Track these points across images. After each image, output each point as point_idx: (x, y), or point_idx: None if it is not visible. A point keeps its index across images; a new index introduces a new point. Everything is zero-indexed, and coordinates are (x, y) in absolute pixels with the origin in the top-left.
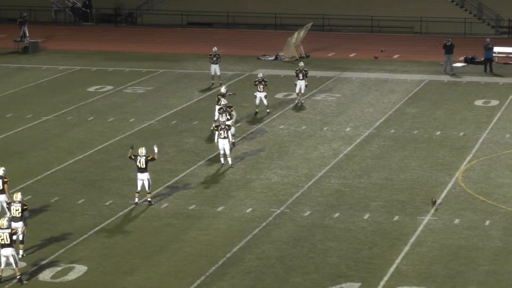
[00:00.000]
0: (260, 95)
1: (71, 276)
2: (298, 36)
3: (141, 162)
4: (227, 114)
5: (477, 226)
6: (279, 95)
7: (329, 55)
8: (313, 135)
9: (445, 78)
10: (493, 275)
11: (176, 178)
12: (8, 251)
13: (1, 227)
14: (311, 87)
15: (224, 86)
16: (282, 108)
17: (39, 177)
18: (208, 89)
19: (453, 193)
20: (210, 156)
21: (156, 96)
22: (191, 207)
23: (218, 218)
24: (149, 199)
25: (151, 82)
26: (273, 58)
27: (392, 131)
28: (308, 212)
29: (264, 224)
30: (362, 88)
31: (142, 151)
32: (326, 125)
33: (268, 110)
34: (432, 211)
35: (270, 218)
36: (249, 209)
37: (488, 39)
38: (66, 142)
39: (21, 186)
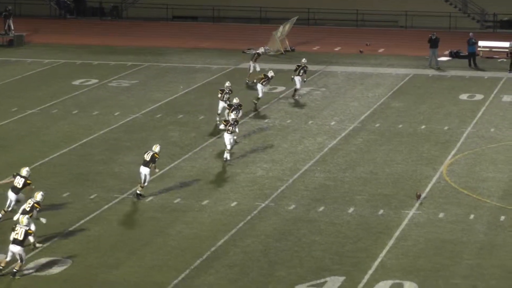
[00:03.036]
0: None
1: (56, 269)
2: (283, 30)
3: (148, 156)
4: (238, 111)
5: (462, 220)
6: (264, 89)
7: (314, 49)
8: (298, 129)
9: (430, 72)
10: (477, 269)
11: (161, 172)
12: (17, 249)
13: (20, 223)
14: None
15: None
16: (267, 102)
17: None
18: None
19: (437, 187)
20: (195, 150)
21: (141, 90)
22: (176, 201)
23: (203, 211)
24: (138, 192)
25: (136, 75)
26: (258, 51)
27: (377, 125)
28: (293, 206)
29: (248, 218)
30: (347, 82)
31: (156, 147)
32: (311, 119)
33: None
34: (417, 205)
35: (255, 212)
36: (234, 203)
37: (471, 34)
38: (51, 136)
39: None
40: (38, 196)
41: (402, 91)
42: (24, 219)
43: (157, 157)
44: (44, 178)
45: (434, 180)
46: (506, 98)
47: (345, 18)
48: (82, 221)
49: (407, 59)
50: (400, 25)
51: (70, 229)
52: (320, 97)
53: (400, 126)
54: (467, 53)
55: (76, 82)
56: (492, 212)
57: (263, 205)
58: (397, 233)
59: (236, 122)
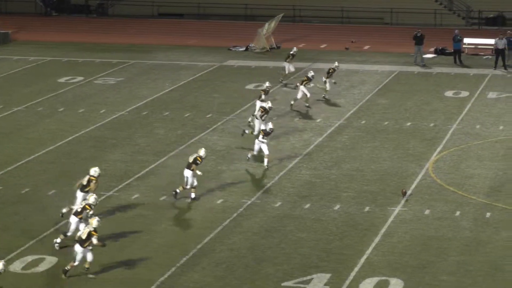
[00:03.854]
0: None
1: (42, 267)
2: (268, 27)
3: (191, 158)
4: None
5: (448, 217)
6: (250, 86)
7: (299, 46)
8: (284, 126)
9: (416, 69)
10: (463, 266)
11: (147, 169)
12: (80, 249)
13: (90, 224)
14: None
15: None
16: (253, 99)
17: (10, 168)
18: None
19: (423, 184)
20: (181, 147)
21: (127, 87)
22: (162, 198)
23: (189, 209)
24: (177, 190)
25: (122, 73)
26: (243, 49)
27: (363, 122)
28: (279, 203)
29: (235, 215)
30: (333, 79)
31: (200, 151)
32: (297, 116)
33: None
34: (403, 202)
35: (241, 209)
36: (220, 200)
37: (456, 31)
38: (37, 133)
39: None
40: (91, 198)
41: (388, 88)
42: (94, 221)
43: (199, 161)
44: (30, 175)
45: (420, 177)
46: (491, 95)
47: (330, 15)
48: (68, 219)
49: (392, 56)
50: (385, 22)
51: (56, 227)
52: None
53: (386, 123)
54: (452, 50)
55: (62, 80)
56: (478, 209)
57: (249, 202)
58: (383, 230)
59: (272, 131)
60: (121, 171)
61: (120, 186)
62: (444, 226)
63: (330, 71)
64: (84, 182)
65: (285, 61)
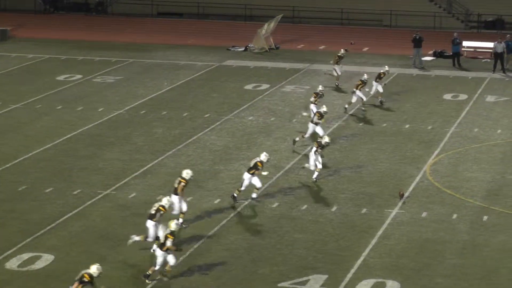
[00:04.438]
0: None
1: (38, 265)
2: (268, 27)
3: (252, 162)
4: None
5: (445, 220)
6: (248, 86)
7: (298, 47)
8: (282, 127)
9: (414, 71)
10: (459, 269)
11: (145, 168)
12: (160, 253)
13: (169, 227)
14: (280, 79)
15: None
16: (251, 100)
17: (7, 165)
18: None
19: (421, 187)
20: (179, 147)
21: (125, 86)
22: (158, 198)
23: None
24: (234, 194)
25: (121, 71)
26: (243, 49)
27: (361, 123)
28: (276, 204)
29: (232, 215)
30: (331, 80)
31: (262, 155)
32: (294, 117)
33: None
34: (400, 204)
35: (238, 209)
36: (217, 200)
37: (455, 34)
38: (35, 131)
39: None
40: (164, 200)
41: (386, 90)
42: (172, 224)
43: (260, 166)
44: (27, 173)
45: (417, 179)
46: (489, 98)
47: (330, 17)
48: (65, 217)
49: (391, 58)
50: (384, 24)
51: (53, 224)
52: (304, 95)
53: (384, 125)
54: (451, 53)
55: (61, 78)
56: (475, 212)
57: (246, 202)
58: (380, 232)
59: (327, 144)
60: (118, 169)
61: (117, 185)
62: (441, 229)
63: (382, 75)
64: (176, 184)
65: (335, 63)
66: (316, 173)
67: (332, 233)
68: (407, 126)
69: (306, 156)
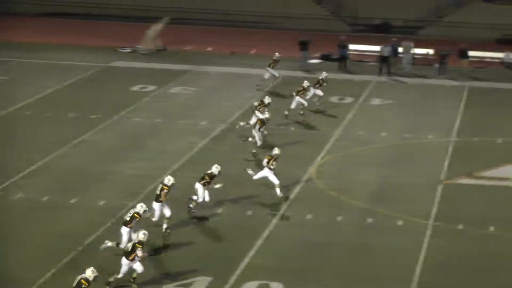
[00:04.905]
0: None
1: None
2: (156, 28)
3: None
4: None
5: (330, 222)
6: (135, 88)
7: (186, 48)
8: (169, 128)
9: (301, 74)
10: (345, 270)
11: (31, 168)
12: (125, 261)
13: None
14: (167, 81)
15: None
16: (138, 101)
17: None
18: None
19: (307, 189)
20: (65, 147)
21: (10, 86)
22: (44, 199)
23: (72, 209)
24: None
25: (6, 71)
26: (131, 50)
27: (248, 125)
28: None
29: (117, 216)
30: (218, 82)
31: (214, 167)
32: (182, 118)
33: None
34: (286, 206)
35: (124, 211)
36: (103, 202)
37: (342, 37)
38: None
39: None
40: (138, 206)
41: (274, 92)
42: (140, 233)
43: (208, 178)
44: None
45: (303, 181)
46: (375, 101)
47: (218, 18)
48: None
49: (279, 61)
50: (273, 26)
51: None
52: (191, 97)
53: (270, 126)
54: (338, 56)
55: None
56: (360, 214)
57: (132, 204)
58: (265, 234)
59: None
60: (3, 169)
61: (3, 185)
62: (326, 231)
63: (320, 81)
64: (158, 192)
65: (270, 67)
66: (277, 189)
67: (218, 235)
68: (293, 128)
69: (193, 159)
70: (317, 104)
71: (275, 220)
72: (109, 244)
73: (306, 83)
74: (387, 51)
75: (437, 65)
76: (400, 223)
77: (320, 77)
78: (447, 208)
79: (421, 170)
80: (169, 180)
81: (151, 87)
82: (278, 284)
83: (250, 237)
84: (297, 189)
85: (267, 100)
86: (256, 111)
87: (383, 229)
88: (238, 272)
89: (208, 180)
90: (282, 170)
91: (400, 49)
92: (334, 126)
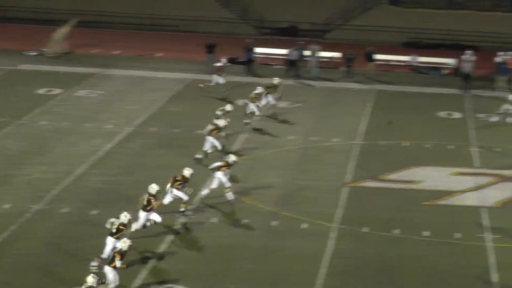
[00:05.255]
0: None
1: None
2: (62, 31)
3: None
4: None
5: (236, 225)
6: (41, 91)
7: (93, 51)
8: (74, 131)
9: (208, 77)
10: (252, 274)
11: None
12: (108, 269)
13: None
14: (73, 84)
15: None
16: (44, 104)
17: None
18: None
19: (214, 191)
20: None
21: None
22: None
23: None
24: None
25: None
26: (37, 53)
27: (154, 129)
28: (67, 209)
29: (22, 220)
30: (125, 85)
31: (185, 170)
32: (87, 121)
33: None
34: (192, 209)
35: (28, 215)
36: (8, 205)
37: (248, 40)
38: None
39: None
40: (122, 216)
41: (181, 96)
42: (121, 242)
43: (181, 180)
44: None
45: (211, 184)
46: (282, 104)
47: (126, 22)
48: None
49: (186, 64)
50: (180, 29)
51: None
52: (97, 100)
53: (177, 130)
54: (244, 59)
55: None
56: (267, 217)
57: (37, 207)
58: (171, 237)
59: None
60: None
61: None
62: (233, 234)
63: (271, 86)
64: (145, 201)
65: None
66: (228, 193)
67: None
68: (200, 131)
69: (99, 162)
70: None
71: (180, 223)
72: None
73: (259, 89)
74: (294, 54)
75: (343, 69)
76: (304, 226)
77: (273, 83)
78: (352, 211)
79: (327, 173)
80: (152, 188)
81: (57, 90)
82: (183, 287)
83: (155, 240)
84: (205, 192)
85: (229, 107)
86: (217, 119)
87: (288, 232)
88: (142, 276)
89: (182, 183)
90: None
91: (307, 53)
92: (244, 128)
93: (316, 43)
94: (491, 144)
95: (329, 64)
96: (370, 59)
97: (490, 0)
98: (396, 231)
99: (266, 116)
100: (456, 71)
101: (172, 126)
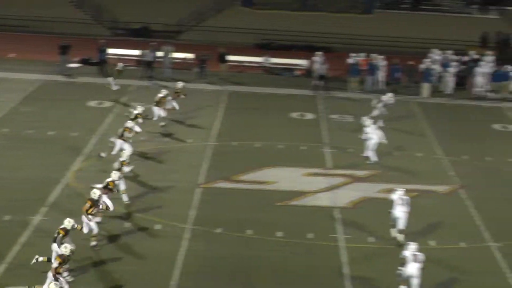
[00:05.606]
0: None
1: None
2: None
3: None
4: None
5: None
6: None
7: None
8: None
9: (61, 78)
10: (105, 275)
11: None
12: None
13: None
14: None
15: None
16: None
17: None
18: None
19: (65, 193)
20: None
21: None
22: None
23: None
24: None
25: None
26: None
27: (6, 130)
28: None
29: None
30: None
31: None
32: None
33: None
34: (44, 211)
35: None
36: None
37: (102, 41)
38: None
39: None
40: (65, 221)
41: (33, 97)
42: (62, 247)
43: (111, 186)
44: None
45: (62, 185)
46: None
47: None
48: None
49: (38, 65)
50: (32, 30)
51: None
52: None
53: (30, 131)
54: (97, 60)
55: None
56: (117, 219)
57: None
58: (22, 239)
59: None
60: None
61: None
62: (83, 236)
63: (178, 91)
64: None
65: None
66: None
67: None
68: (53, 132)
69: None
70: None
71: (33, 225)
72: (40, 259)
73: (164, 92)
74: (150, 56)
75: (196, 70)
76: (158, 227)
77: (177, 88)
78: (205, 212)
79: (180, 174)
80: (94, 193)
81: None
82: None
83: (8, 243)
84: (56, 193)
85: (139, 109)
86: (130, 122)
87: (141, 233)
88: None
89: (111, 188)
90: (43, 174)
91: (160, 53)
92: (94, 130)
93: (169, 44)
94: (343, 145)
95: (182, 65)
96: (223, 60)
97: (343, 2)
98: (250, 232)
99: (173, 120)
100: (308, 72)
101: (24, 127)
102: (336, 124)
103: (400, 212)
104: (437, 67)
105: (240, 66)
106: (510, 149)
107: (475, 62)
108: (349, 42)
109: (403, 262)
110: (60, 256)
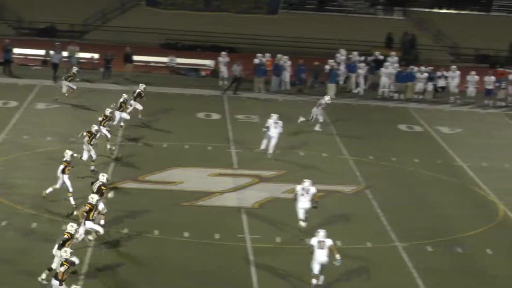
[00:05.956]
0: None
1: None
2: None
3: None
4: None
5: None
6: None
7: None
8: None
9: None
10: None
11: None
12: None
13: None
14: None
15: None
16: None
17: None
18: None
19: None
20: None
21: None
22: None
23: None
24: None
25: None
26: None
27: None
28: None
29: None
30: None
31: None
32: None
33: None
34: None
35: None
36: None
37: (6, 41)
38: None
39: None
40: (68, 226)
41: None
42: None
43: (104, 190)
44: None
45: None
46: (40, 105)
47: None
48: None
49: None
50: None
51: None
52: None
53: None
54: (2, 60)
55: None
56: (24, 219)
57: None
58: None
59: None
60: None
61: None
62: None
63: (142, 94)
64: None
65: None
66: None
67: None
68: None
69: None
70: (139, 116)
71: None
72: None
73: (124, 96)
74: (55, 58)
75: (102, 70)
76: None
77: (139, 90)
78: (112, 212)
79: (86, 173)
80: (92, 198)
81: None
82: None
83: None
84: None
85: (108, 112)
86: (102, 126)
87: (48, 234)
88: None
89: (102, 192)
90: None
91: (65, 53)
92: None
93: (75, 44)
94: (250, 145)
95: (88, 65)
96: (128, 60)
97: (248, 2)
98: (156, 232)
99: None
100: (213, 72)
101: None
102: (242, 124)
103: (303, 203)
104: (342, 68)
105: (146, 66)
106: (415, 149)
107: (380, 63)
108: (254, 42)
109: (311, 251)
110: (66, 260)
